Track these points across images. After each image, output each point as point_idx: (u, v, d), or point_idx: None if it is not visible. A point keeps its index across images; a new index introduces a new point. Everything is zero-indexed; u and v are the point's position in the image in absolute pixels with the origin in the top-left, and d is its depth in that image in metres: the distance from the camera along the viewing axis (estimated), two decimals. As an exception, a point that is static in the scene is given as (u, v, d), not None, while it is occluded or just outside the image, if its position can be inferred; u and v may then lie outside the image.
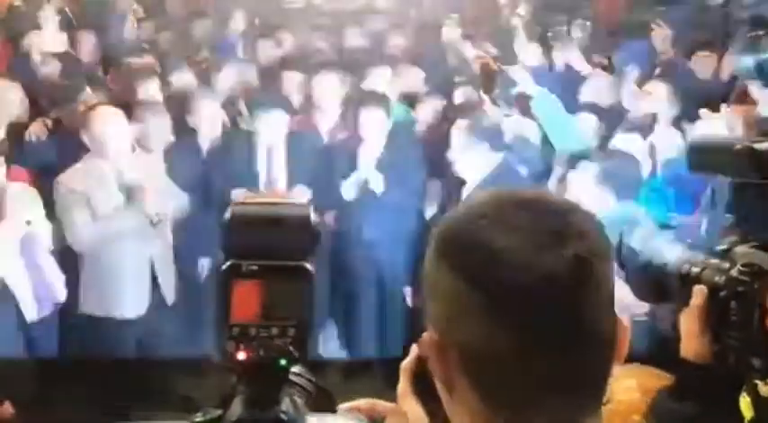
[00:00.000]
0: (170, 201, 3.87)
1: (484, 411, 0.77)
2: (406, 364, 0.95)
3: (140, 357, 3.83)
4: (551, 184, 3.70)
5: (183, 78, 4.98)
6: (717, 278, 1.18)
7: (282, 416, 0.80)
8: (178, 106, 4.45)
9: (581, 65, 4.87)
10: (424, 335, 0.82)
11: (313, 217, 0.83)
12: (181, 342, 4.01)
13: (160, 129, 4.10)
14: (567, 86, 4.49)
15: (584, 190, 2.86)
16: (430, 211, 3.95)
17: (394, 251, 4.09)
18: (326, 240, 3.73)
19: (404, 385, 0.95)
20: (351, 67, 5.26)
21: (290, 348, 0.78)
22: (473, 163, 3.55)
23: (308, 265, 0.80)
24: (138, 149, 4.03)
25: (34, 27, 4.67)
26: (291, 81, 4.98)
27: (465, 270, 0.76)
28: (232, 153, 4.30)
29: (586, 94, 4.39)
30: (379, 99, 4.37)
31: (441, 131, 4.11)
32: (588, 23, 5.42)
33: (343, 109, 4.62)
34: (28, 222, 3.45)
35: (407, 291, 4.22)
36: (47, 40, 4.63)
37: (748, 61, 3.85)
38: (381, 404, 1.01)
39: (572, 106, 4.03)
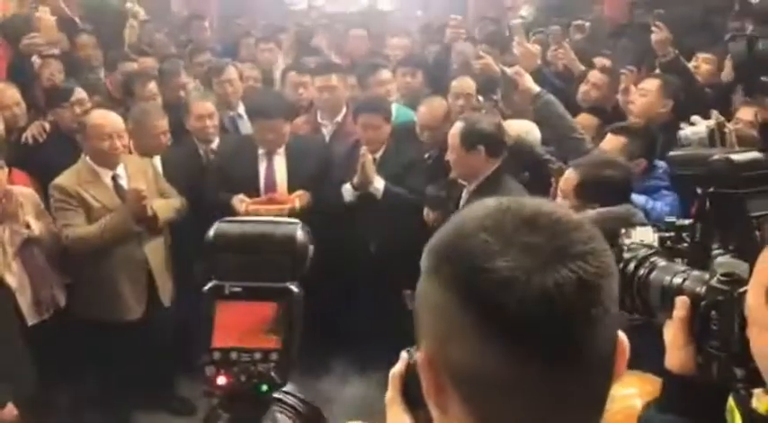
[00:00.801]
0: (167, 204, 3.86)
1: None
2: (395, 371, 0.93)
3: (139, 360, 3.80)
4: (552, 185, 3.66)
5: (183, 81, 4.96)
6: (698, 288, 1.18)
7: None
8: (176, 109, 4.43)
9: (579, 66, 4.85)
10: (417, 353, 0.79)
11: (300, 236, 0.81)
12: (178, 344, 3.99)
13: (159, 131, 4.09)
14: (566, 87, 4.48)
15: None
16: (431, 215, 3.91)
17: (394, 255, 4.06)
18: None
19: (392, 393, 0.93)
20: (352, 68, 5.25)
21: (273, 374, 0.76)
22: (472, 166, 3.50)
23: (294, 287, 0.78)
24: (135, 152, 4.02)
25: (32, 29, 4.65)
26: (292, 83, 4.96)
27: (458, 287, 0.73)
28: (231, 156, 4.27)
29: (586, 94, 4.37)
30: (380, 101, 4.34)
31: (441, 133, 4.07)
32: (587, 24, 5.41)
33: (344, 111, 4.59)
34: (27, 226, 3.42)
35: (407, 294, 4.19)
36: (45, 42, 4.60)
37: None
38: None
39: (572, 107, 4.00)
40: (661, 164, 3.32)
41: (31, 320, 3.47)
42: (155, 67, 5.17)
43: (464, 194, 3.64)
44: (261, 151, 4.16)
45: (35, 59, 4.64)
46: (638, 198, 2.93)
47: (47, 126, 4.19)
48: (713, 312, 1.13)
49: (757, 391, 1.11)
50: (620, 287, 0.78)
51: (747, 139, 3.15)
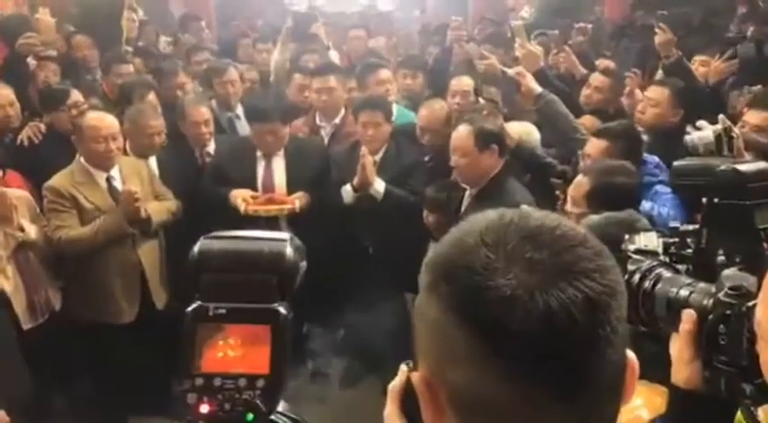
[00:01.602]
0: (161, 206, 3.82)
1: None
2: (394, 386, 0.87)
3: (133, 363, 3.76)
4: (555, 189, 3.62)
5: (181, 81, 4.91)
6: (705, 301, 1.14)
7: None
8: (173, 110, 4.39)
9: (581, 70, 4.82)
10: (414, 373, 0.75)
11: (289, 254, 0.76)
12: (173, 347, 3.93)
13: (153, 131, 4.05)
14: (568, 90, 4.44)
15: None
16: (431, 218, 3.87)
17: (394, 256, 4.02)
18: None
19: (391, 408, 0.87)
20: (352, 69, 5.21)
21: (259, 402, 0.71)
22: (484, 168, 3.47)
23: (282, 309, 0.73)
24: (130, 152, 3.98)
25: (30, 29, 4.61)
26: (297, 85, 4.92)
27: (457, 306, 0.68)
28: (229, 157, 4.23)
29: (589, 98, 4.34)
30: (381, 99, 4.29)
31: (442, 136, 4.04)
32: (590, 27, 5.37)
33: (343, 113, 4.55)
34: (21, 229, 3.38)
35: (408, 297, 4.15)
36: (41, 43, 4.56)
37: None
38: None
39: (574, 109, 3.97)
40: (651, 158, 3.28)
41: (25, 325, 3.43)
42: (153, 69, 5.12)
43: (466, 197, 3.62)
44: (259, 153, 4.13)
45: (30, 60, 4.59)
46: (644, 204, 2.90)
47: (42, 127, 4.15)
48: (721, 326, 1.10)
49: (765, 407, 1.08)
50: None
51: (753, 143, 3.11)
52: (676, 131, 3.48)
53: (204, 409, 0.71)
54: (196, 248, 0.74)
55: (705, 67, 4.55)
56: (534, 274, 0.67)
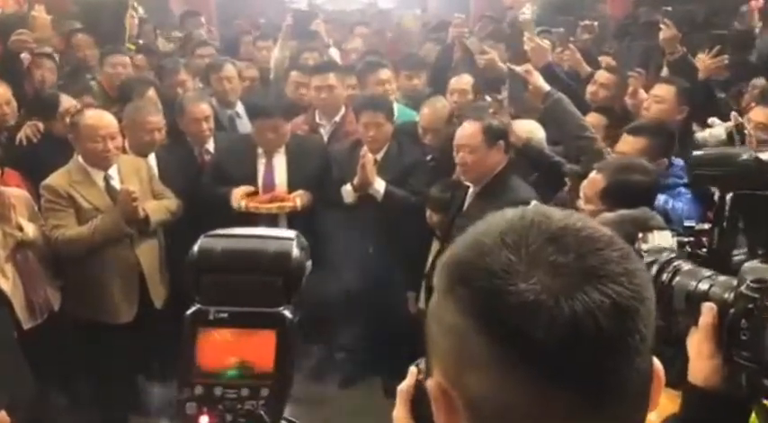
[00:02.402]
0: (160, 205, 3.79)
1: None
2: (404, 387, 0.84)
3: (132, 364, 3.78)
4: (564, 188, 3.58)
5: (181, 78, 4.88)
6: (726, 295, 1.11)
7: None
8: (173, 107, 4.35)
9: (586, 68, 4.78)
10: (429, 380, 0.71)
11: (295, 254, 0.71)
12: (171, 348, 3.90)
13: (152, 127, 4.01)
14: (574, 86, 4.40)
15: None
16: (434, 217, 3.84)
17: (395, 256, 3.99)
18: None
19: (401, 410, 0.84)
20: (353, 67, 5.17)
21: (262, 413, 0.66)
22: (491, 164, 3.45)
23: (287, 312, 0.68)
24: (129, 150, 3.94)
25: (27, 27, 4.57)
26: (294, 82, 4.88)
27: (477, 311, 0.64)
28: (229, 155, 4.20)
29: (595, 95, 4.30)
30: (382, 99, 4.26)
31: (444, 135, 4.00)
32: (596, 24, 5.33)
33: (343, 111, 4.51)
34: (20, 228, 3.35)
35: (410, 296, 4.12)
36: (34, 40, 4.52)
37: None
38: None
39: (579, 107, 3.93)
40: (678, 161, 3.26)
41: (25, 324, 3.40)
42: (153, 67, 5.08)
43: (469, 195, 3.60)
44: (260, 150, 4.11)
45: (25, 57, 4.54)
46: (659, 197, 2.86)
47: (41, 126, 4.11)
48: (743, 321, 1.07)
49: None
50: None
51: (759, 140, 3.08)
52: (683, 130, 3.45)
53: (204, 420, 0.66)
54: (196, 247, 0.69)
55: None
56: (558, 279, 0.63)
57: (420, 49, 6.07)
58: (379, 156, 4.08)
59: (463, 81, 4.49)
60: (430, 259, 3.86)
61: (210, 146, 4.30)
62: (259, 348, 0.67)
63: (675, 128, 3.57)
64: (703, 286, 1.16)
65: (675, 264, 1.24)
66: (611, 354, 0.63)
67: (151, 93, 4.44)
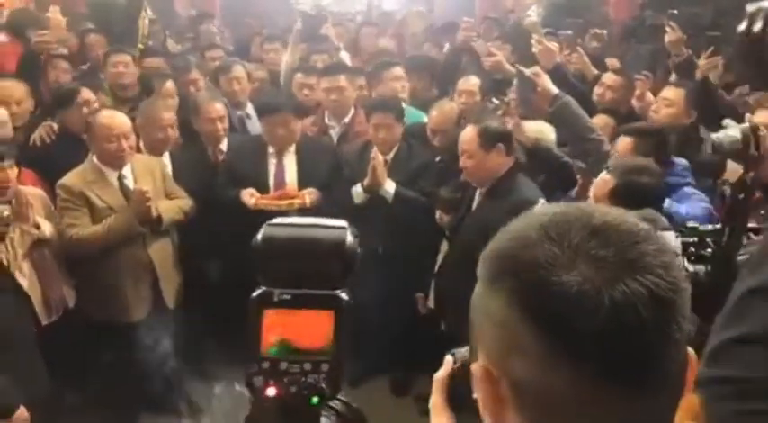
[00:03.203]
0: (173, 205, 3.84)
1: None
2: (440, 375, 0.88)
3: (145, 362, 3.78)
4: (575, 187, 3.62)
5: (194, 77, 4.92)
6: None
7: None
8: (185, 108, 4.40)
9: (593, 70, 4.82)
10: (474, 364, 0.75)
11: (349, 240, 0.77)
12: (183, 346, 3.97)
13: (164, 123, 4.06)
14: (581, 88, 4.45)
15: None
16: (444, 218, 3.87)
17: (405, 257, 4.03)
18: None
19: (437, 398, 0.88)
20: (362, 69, 5.21)
21: (323, 385, 0.72)
22: (491, 167, 3.47)
23: (343, 295, 0.74)
24: (144, 149, 3.99)
25: (38, 24, 4.62)
26: (298, 84, 4.92)
27: (522, 301, 0.69)
28: (241, 155, 4.25)
29: (602, 97, 4.34)
30: (392, 101, 4.30)
31: (453, 136, 4.04)
32: (605, 33, 5.35)
33: (352, 112, 4.56)
34: (37, 226, 3.40)
35: (419, 297, 4.16)
36: (55, 40, 4.57)
37: None
38: None
39: (589, 108, 3.97)
40: (680, 161, 3.29)
41: (42, 321, 3.43)
42: (166, 68, 5.13)
43: (477, 196, 3.62)
44: (271, 150, 4.14)
45: (43, 57, 4.60)
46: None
47: (55, 127, 4.16)
48: None
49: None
50: None
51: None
52: (691, 133, 3.50)
53: (271, 391, 0.72)
54: (260, 235, 0.75)
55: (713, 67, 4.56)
56: (600, 271, 0.67)
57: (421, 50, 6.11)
58: (389, 157, 4.12)
59: (470, 82, 4.53)
60: (440, 260, 3.89)
61: (224, 145, 4.35)
62: (319, 327, 0.73)
63: (685, 130, 3.61)
64: None
65: None
66: (650, 342, 0.67)
67: (169, 84, 4.48)
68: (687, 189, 3.17)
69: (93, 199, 3.60)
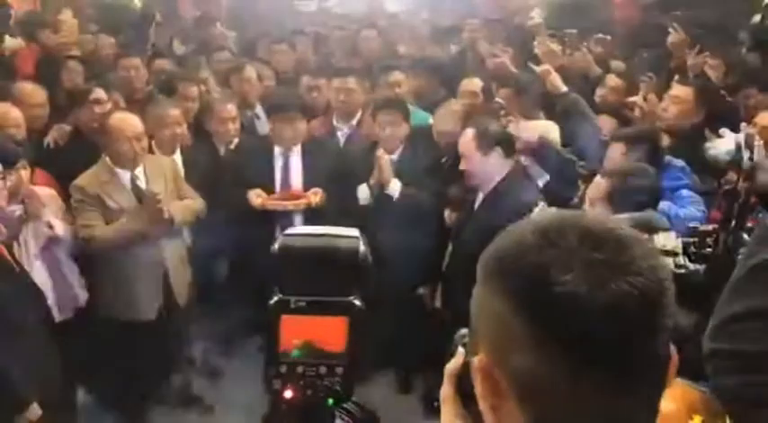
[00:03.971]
0: (185, 206, 3.87)
1: None
2: (451, 367, 0.92)
3: (155, 360, 3.83)
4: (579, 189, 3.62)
5: (203, 77, 4.96)
6: None
7: None
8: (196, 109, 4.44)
9: (596, 69, 4.84)
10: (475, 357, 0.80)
11: (362, 249, 0.81)
12: (193, 344, 4.01)
13: (172, 120, 4.09)
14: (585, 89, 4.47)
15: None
16: (453, 216, 3.89)
17: (410, 256, 4.05)
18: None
19: (447, 389, 0.92)
20: (368, 70, 5.24)
21: (338, 388, 0.76)
22: (489, 170, 3.48)
23: (357, 301, 0.79)
24: (156, 149, 4.03)
25: (49, 26, 4.66)
26: (305, 86, 4.95)
27: (520, 300, 0.74)
28: (247, 155, 4.28)
29: (604, 98, 4.36)
30: (399, 99, 4.33)
31: (458, 137, 4.06)
32: (609, 38, 5.36)
33: (359, 114, 4.58)
34: (50, 225, 3.44)
35: (423, 293, 4.18)
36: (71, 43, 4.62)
37: None
38: None
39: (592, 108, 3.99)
40: (677, 162, 3.30)
41: (56, 318, 3.47)
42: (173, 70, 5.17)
43: (479, 198, 3.61)
44: (277, 150, 4.17)
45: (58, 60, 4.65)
46: (661, 204, 2.94)
47: (67, 128, 4.20)
48: None
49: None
50: None
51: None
52: (697, 133, 3.50)
53: (288, 394, 0.77)
54: (277, 245, 0.79)
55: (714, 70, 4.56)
56: (593, 272, 0.72)
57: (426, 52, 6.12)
58: (395, 156, 4.14)
59: (473, 83, 4.55)
60: (446, 259, 3.92)
61: (234, 145, 4.39)
62: (333, 332, 0.78)
63: (691, 131, 3.62)
64: None
65: None
66: (638, 338, 0.73)
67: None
68: (684, 191, 3.19)
69: (106, 199, 3.64)
